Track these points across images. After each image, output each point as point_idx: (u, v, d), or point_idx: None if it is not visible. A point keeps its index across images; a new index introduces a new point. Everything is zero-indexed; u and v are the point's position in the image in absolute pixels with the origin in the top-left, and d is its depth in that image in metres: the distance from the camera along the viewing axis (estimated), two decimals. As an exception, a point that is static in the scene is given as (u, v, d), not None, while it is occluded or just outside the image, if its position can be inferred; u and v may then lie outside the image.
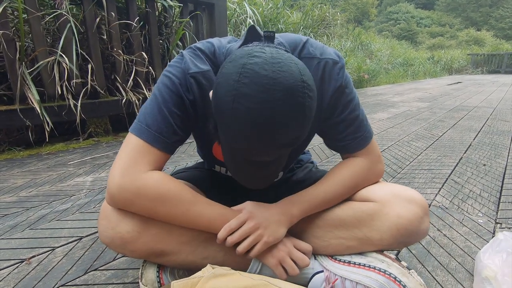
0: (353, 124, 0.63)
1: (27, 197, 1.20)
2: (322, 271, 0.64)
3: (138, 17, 2.12)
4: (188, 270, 0.64)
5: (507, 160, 1.64)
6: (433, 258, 0.81)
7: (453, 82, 7.29)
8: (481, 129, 2.41)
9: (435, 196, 1.20)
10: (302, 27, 4.58)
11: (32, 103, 1.72)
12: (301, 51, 0.60)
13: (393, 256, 0.64)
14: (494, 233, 0.94)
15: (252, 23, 3.70)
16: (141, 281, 0.60)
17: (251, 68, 0.43)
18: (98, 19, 1.96)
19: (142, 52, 2.17)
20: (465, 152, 1.78)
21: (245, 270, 0.61)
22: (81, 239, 0.90)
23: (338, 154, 0.70)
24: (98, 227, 0.57)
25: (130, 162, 0.54)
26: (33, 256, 0.81)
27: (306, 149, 0.88)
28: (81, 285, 0.71)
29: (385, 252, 0.66)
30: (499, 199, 1.18)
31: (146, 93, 2.19)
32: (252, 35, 0.56)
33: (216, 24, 2.57)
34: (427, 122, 2.71)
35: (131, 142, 0.55)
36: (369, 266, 0.63)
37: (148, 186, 0.53)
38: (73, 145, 1.93)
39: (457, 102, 4.04)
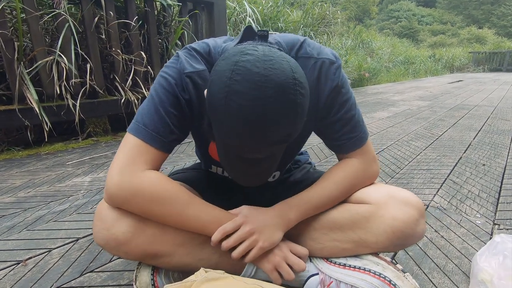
0: (349, 124, 0.63)
1: (25, 197, 1.20)
2: (317, 274, 0.64)
3: (137, 16, 2.12)
4: (183, 272, 0.64)
5: (507, 160, 1.63)
6: (430, 260, 0.81)
7: (454, 81, 7.26)
8: (481, 128, 2.40)
9: (434, 196, 1.20)
10: (302, 25, 4.56)
11: (31, 103, 1.72)
12: (298, 50, 0.60)
13: (388, 259, 0.64)
14: (492, 234, 0.94)
15: (251, 22, 3.69)
16: (135, 283, 0.60)
17: (243, 65, 0.43)
18: (96, 19, 1.96)
19: (141, 52, 2.17)
20: (464, 152, 1.78)
21: (240, 272, 0.61)
22: (77, 240, 0.90)
23: (337, 154, 0.70)
24: (93, 228, 0.57)
25: (128, 161, 0.54)
26: (30, 258, 0.81)
27: (304, 149, 0.88)
28: (77, 287, 0.71)
29: (380, 255, 0.65)
30: (498, 199, 1.17)
31: (145, 92, 2.19)
32: (248, 35, 0.56)
33: (215, 23, 2.56)
34: (427, 121, 2.70)
35: (129, 142, 0.56)
36: (364, 269, 0.62)
37: (144, 185, 0.53)
38: (72, 144, 1.93)
39: (458, 100, 4.03)
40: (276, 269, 0.60)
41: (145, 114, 0.57)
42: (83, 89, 1.93)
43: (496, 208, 1.10)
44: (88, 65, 1.95)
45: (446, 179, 1.37)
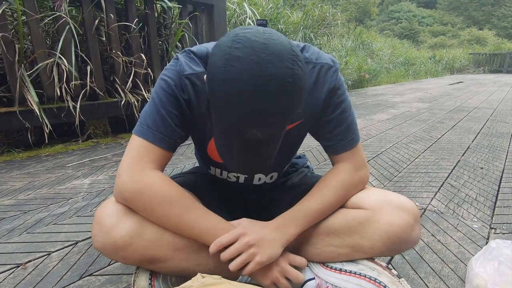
0: (343, 124, 0.65)
1: (25, 200, 1.21)
2: (313, 278, 0.65)
3: (137, 19, 2.13)
4: (181, 277, 0.65)
5: (505, 163, 1.64)
6: (426, 264, 0.82)
7: (454, 82, 7.27)
8: (480, 131, 2.40)
9: (431, 200, 1.20)
10: (302, 27, 4.57)
11: (31, 105, 1.73)
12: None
13: (384, 264, 0.65)
14: (488, 238, 0.94)
15: (251, 24, 3.69)
16: (133, 288, 0.61)
17: (243, 35, 0.45)
18: (97, 21, 1.97)
19: (141, 54, 2.18)
20: (463, 155, 1.78)
21: (237, 277, 0.62)
22: (77, 243, 0.91)
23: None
24: (92, 232, 0.58)
25: (134, 160, 0.57)
26: (29, 261, 0.82)
27: (302, 153, 0.88)
28: (76, 290, 0.72)
29: (376, 260, 0.66)
30: (495, 203, 1.18)
31: (145, 94, 2.20)
32: None
33: (215, 25, 2.57)
34: (426, 123, 2.71)
35: (135, 143, 0.59)
36: (360, 274, 0.63)
37: (148, 185, 0.56)
38: (72, 146, 1.94)
39: (457, 102, 4.03)
40: (274, 283, 0.60)
41: (147, 116, 0.59)
42: (84, 91, 1.94)
43: (493, 212, 1.11)
44: (89, 67, 1.96)
45: (444, 182, 1.38)
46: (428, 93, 5.14)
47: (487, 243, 0.91)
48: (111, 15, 2.00)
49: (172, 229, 0.58)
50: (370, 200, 0.64)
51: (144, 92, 2.20)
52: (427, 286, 0.74)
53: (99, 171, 1.53)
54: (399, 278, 0.61)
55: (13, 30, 1.73)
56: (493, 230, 0.99)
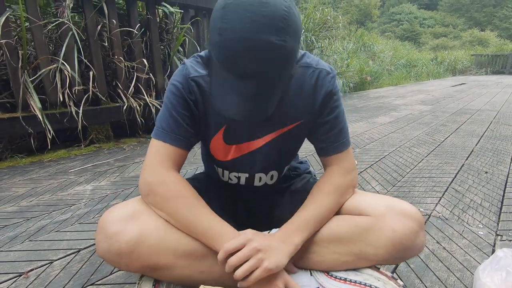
0: (336, 128, 0.69)
1: (28, 206, 1.21)
2: (317, 288, 0.64)
3: (139, 24, 2.14)
4: (184, 285, 0.64)
5: (510, 167, 1.62)
6: (432, 273, 0.81)
7: (456, 84, 7.24)
8: (483, 134, 2.38)
9: (435, 206, 1.19)
10: (303, 30, 4.58)
11: (34, 110, 1.73)
12: (298, 60, 0.66)
13: (389, 274, 0.64)
14: (494, 246, 0.93)
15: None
16: (136, 298, 0.60)
17: None
18: (99, 27, 1.98)
19: (143, 59, 2.19)
20: (466, 159, 1.77)
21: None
22: (79, 251, 0.90)
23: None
24: (96, 238, 0.58)
25: (152, 160, 0.64)
26: (31, 270, 0.82)
27: (304, 158, 0.89)
28: (78, 300, 0.71)
29: (381, 270, 0.65)
30: (500, 209, 1.17)
31: (147, 99, 2.20)
32: None
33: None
34: (429, 126, 2.69)
35: (153, 145, 0.66)
36: (365, 284, 0.62)
37: (163, 182, 0.62)
38: (75, 151, 1.95)
39: (460, 104, 4.01)
40: None
41: (162, 119, 0.66)
42: (86, 96, 1.95)
43: (499, 218, 1.09)
44: (91, 73, 1.97)
45: (448, 187, 1.37)
46: (431, 95, 5.12)
47: (493, 250, 0.90)
48: (114, 20, 2.01)
49: (180, 225, 0.60)
50: (374, 207, 0.64)
51: (146, 97, 2.20)
52: (433, 295, 0.73)
53: (101, 176, 1.53)
54: (405, 288, 0.60)
55: (16, 37, 1.74)
56: (499, 237, 0.98)
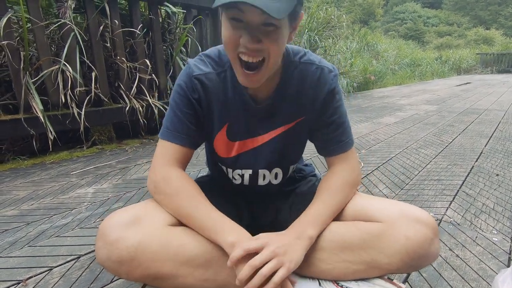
0: (340, 128, 0.70)
1: (28, 210, 1.19)
2: (326, 300, 0.61)
3: (141, 24, 2.12)
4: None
5: (521, 169, 1.57)
6: (446, 283, 0.77)
7: (462, 83, 7.15)
8: (492, 134, 2.33)
9: (446, 210, 1.15)
10: (307, 30, 4.54)
11: (36, 112, 1.72)
12: (302, 57, 0.68)
13: (403, 286, 0.60)
14: (510, 253, 0.89)
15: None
16: (136, 311, 0.57)
17: None
18: (101, 27, 1.96)
19: (146, 59, 2.16)
20: (476, 161, 1.72)
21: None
22: (79, 258, 0.88)
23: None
24: (96, 245, 0.57)
25: (159, 160, 0.66)
26: (30, 277, 0.80)
27: (309, 161, 0.86)
28: (77, 310, 0.69)
29: (394, 281, 0.62)
30: (514, 213, 1.12)
31: (149, 100, 2.18)
32: None
33: (219, 29, 2.55)
34: (436, 127, 2.64)
35: (160, 145, 0.68)
36: (377, 296, 0.59)
37: (168, 178, 0.64)
38: (77, 153, 1.93)
39: (466, 104, 3.95)
40: None
41: (167, 119, 0.68)
42: (88, 97, 1.93)
43: (513, 223, 1.05)
44: (93, 73, 1.95)
45: (458, 190, 1.33)
46: (436, 94, 5.05)
47: (509, 258, 0.86)
48: (116, 21, 1.99)
49: (184, 220, 0.61)
50: (385, 212, 0.61)
51: (148, 98, 2.18)
52: (448, 307, 0.69)
53: (103, 179, 1.51)
54: (420, 302, 0.57)
55: (18, 38, 1.73)
56: (514, 244, 0.94)
